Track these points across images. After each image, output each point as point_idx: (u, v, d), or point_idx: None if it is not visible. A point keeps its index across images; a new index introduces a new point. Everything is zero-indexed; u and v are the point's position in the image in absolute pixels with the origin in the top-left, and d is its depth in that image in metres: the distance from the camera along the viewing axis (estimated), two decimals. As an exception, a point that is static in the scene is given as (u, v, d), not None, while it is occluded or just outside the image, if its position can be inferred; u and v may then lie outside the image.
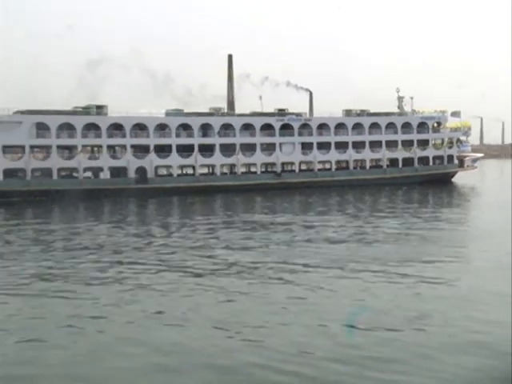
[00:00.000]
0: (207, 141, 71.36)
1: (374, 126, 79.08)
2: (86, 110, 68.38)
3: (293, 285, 20.92)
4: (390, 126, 79.89)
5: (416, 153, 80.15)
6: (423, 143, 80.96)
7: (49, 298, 19.94)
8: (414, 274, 22.00)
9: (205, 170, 73.53)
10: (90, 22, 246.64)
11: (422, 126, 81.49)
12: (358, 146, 77.93)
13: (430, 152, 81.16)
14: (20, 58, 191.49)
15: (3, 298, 19.97)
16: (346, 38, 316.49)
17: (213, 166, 72.59)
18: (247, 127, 73.55)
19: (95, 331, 16.25)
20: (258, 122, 73.87)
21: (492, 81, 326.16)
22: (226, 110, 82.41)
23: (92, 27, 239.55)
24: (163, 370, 13.41)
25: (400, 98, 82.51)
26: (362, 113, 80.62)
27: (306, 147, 75.53)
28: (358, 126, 78.33)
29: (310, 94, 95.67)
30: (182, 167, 72.07)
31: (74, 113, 67.86)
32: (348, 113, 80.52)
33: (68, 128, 65.75)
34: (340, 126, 77.66)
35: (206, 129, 71.84)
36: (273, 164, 74.91)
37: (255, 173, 74.18)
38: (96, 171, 68.23)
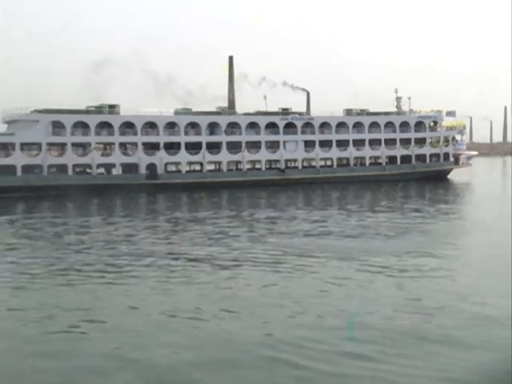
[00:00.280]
0: (214, 139, 72.04)
1: (374, 125, 79.68)
2: (99, 109, 69.03)
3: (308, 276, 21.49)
4: (389, 124, 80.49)
5: (413, 150, 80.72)
6: (420, 141, 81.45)
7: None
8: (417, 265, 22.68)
9: (212, 167, 74.03)
10: (90, 22, 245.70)
11: (419, 125, 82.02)
12: (358, 143, 78.52)
13: (426, 150, 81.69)
14: (20, 57, 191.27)
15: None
16: (345, 38, 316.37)
17: (220, 163, 73.22)
18: (252, 126, 74.20)
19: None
20: (262, 121, 74.50)
21: (491, 81, 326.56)
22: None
23: (92, 27, 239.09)
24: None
25: (398, 99, 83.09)
26: (362, 112, 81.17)
27: (309, 145, 76.18)
28: (358, 125, 78.95)
29: (308, 93, 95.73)
30: (190, 164, 72.62)
31: (87, 112, 68.55)
32: (348, 112, 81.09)
33: (82, 126, 66.51)
34: (341, 125, 78.29)
35: (213, 127, 72.51)
36: (277, 161, 75.50)
37: (260, 169, 74.85)
38: (108, 167, 68.90)
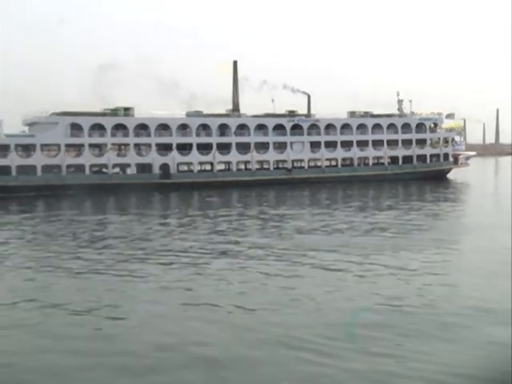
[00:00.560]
0: (224, 140, 72.73)
1: (377, 127, 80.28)
2: (115, 112, 69.79)
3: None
4: (391, 126, 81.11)
5: (415, 151, 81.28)
6: (421, 142, 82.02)
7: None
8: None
9: (222, 167, 74.82)
10: (90, 22, 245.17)
11: (420, 127, 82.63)
12: (362, 144, 79.14)
13: (427, 150, 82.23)
14: (19, 57, 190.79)
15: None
16: (345, 40, 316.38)
17: (229, 163, 73.95)
18: (261, 127, 74.84)
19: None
20: (270, 123, 75.16)
21: (491, 80, 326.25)
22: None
23: (92, 27, 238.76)
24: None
25: (400, 101, 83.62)
26: (366, 114, 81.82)
27: (315, 146, 76.84)
28: (361, 127, 79.58)
29: (308, 96, 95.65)
30: (201, 164, 73.21)
31: (103, 114, 69.36)
32: (352, 114, 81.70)
33: (99, 128, 67.36)
34: (345, 127, 78.89)
35: (223, 129, 73.23)
36: (284, 161, 76.13)
37: (268, 169, 75.52)
38: (123, 167, 69.67)
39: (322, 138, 77.14)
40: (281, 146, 75.74)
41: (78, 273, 21.86)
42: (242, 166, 75.58)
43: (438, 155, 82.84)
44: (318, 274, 20.98)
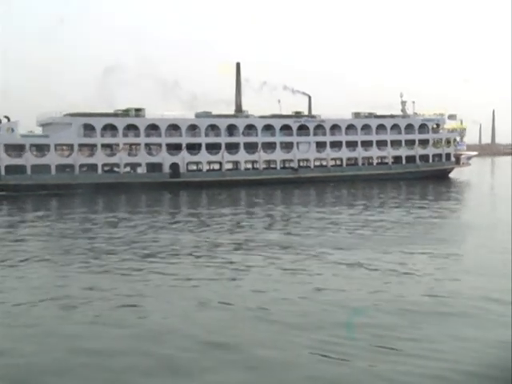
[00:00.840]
0: (233, 140, 72.89)
1: (381, 127, 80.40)
2: (126, 113, 70.01)
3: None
4: (395, 127, 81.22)
5: (417, 151, 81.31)
6: (424, 142, 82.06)
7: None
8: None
9: (230, 166, 74.88)
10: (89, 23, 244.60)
11: (423, 127, 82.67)
12: (366, 144, 79.26)
13: (430, 150, 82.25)
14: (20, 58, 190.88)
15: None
16: (346, 40, 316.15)
17: (237, 162, 74.08)
18: (268, 128, 74.99)
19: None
20: (277, 123, 75.28)
21: (489, 82, 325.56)
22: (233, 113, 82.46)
23: (97, 31, 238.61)
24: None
25: (403, 102, 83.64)
26: (370, 115, 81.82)
27: (320, 146, 76.97)
28: (366, 127, 79.68)
29: (309, 97, 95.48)
30: (210, 163, 73.35)
31: (115, 115, 69.53)
32: (357, 115, 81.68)
33: (111, 128, 67.62)
34: (350, 127, 79.06)
35: (231, 129, 73.42)
36: (290, 160, 76.27)
37: (275, 168, 75.67)
38: (134, 167, 69.89)
39: (328, 138, 77.24)
40: (287, 146, 75.85)
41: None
42: (250, 166, 75.72)
43: (440, 155, 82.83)
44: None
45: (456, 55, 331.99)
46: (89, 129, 66.34)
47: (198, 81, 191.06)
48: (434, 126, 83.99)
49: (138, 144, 69.70)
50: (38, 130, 69.53)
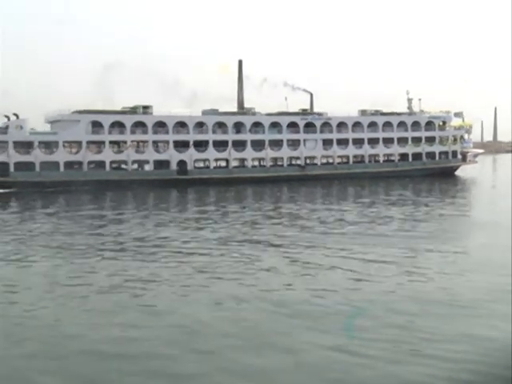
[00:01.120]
0: (240, 137, 72.29)
1: (387, 125, 79.64)
2: (134, 110, 69.52)
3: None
4: (401, 124, 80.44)
5: (424, 148, 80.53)
6: (430, 140, 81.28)
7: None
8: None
9: (237, 163, 74.37)
10: (98, 26, 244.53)
11: (430, 125, 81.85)
12: (373, 142, 78.46)
13: (436, 148, 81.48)
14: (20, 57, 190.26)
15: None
16: (347, 39, 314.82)
17: (244, 160, 73.43)
18: (275, 125, 74.37)
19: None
20: (284, 121, 74.65)
21: (491, 80, 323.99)
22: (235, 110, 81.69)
23: (98, 30, 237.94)
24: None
25: (410, 100, 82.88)
26: (376, 113, 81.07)
27: (327, 143, 76.26)
28: (372, 125, 78.93)
29: (311, 95, 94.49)
30: (217, 160, 72.91)
31: (123, 112, 69.05)
32: (363, 113, 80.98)
33: (119, 126, 67.12)
34: (357, 125, 78.40)
35: (238, 126, 72.80)
36: (297, 158, 75.59)
37: (282, 166, 74.96)
38: (142, 164, 69.41)
39: (334, 135, 76.58)
40: (294, 144, 75.22)
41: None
42: (257, 163, 75.09)
43: (446, 152, 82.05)
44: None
45: (456, 55, 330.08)
46: (97, 126, 65.82)
47: (197, 78, 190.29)
48: (441, 124, 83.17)
49: (146, 141, 69.17)
50: (41, 128, 68.78)
